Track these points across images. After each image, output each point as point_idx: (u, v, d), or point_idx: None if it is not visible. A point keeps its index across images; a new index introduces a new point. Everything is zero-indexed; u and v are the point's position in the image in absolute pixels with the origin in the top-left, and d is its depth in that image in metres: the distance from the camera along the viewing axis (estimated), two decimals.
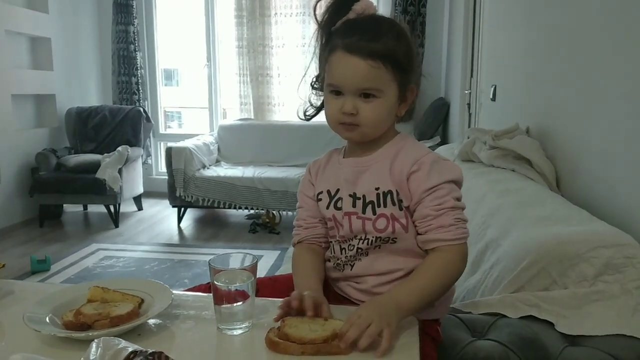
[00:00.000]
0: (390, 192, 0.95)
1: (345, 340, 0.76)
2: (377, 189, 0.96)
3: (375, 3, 4.90)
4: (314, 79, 1.05)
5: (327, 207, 1.02)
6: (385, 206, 0.95)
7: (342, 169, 1.02)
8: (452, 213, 0.92)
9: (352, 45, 0.91)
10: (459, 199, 0.95)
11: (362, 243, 0.98)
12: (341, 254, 1.02)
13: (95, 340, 0.65)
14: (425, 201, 0.93)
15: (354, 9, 0.96)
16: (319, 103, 1.06)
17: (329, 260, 1.06)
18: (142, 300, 0.91)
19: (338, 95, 0.95)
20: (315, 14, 1.00)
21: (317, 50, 1.01)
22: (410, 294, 0.88)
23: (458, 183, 0.96)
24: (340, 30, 0.95)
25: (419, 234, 0.95)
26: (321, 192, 1.04)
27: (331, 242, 1.05)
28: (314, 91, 1.06)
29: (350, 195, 0.99)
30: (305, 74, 1.09)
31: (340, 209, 1.00)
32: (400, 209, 0.95)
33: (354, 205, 0.98)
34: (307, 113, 1.08)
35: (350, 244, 1.00)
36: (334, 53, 0.94)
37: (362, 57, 0.91)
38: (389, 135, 1.01)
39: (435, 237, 0.92)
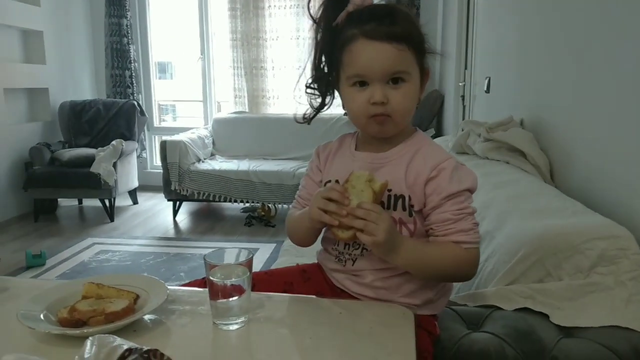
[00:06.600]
0: (402, 196, 0.94)
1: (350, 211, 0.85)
2: (389, 190, 0.94)
3: None
4: (309, 81, 1.00)
5: None
6: (395, 209, 0.94)
7: (355, 163, 0.99)
8: (470, 218, 0.92)
9: (373, 31, 0.89)
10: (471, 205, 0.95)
11: None
12: (344, 248, 1.01)
13: (90, 338, 0.65)
14: (444, 206, 0.92)
15: (353, 1, 0.92)
16: (316, 104, 1.02)
17: (329, 252, 1.05)
18: (138, 296, 0.91)
19: (363, 86, 0.92)
20: (309, 9, 0.97)
21: (313, 49, 0.97)
22: (413, 252, 0.89)
23: (473, 190, 0.95)
24: (353, 21, 0.92)
25: (435, 236, 0.93)
26: (329, 181, 1.01)
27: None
28: (309, 91, 1.01)
29: None
30: (301, 74, 1.04)
31: None
32: (410, 214, 0.94)
33: None
34: (306, 115, 1.03)
35: (355, 242, 0.98)
36: (353, 42, 0.90)
37: (387, 41, 0.88)
38: (407, 130, 0.99)
39: (457, 240, 0.91)
